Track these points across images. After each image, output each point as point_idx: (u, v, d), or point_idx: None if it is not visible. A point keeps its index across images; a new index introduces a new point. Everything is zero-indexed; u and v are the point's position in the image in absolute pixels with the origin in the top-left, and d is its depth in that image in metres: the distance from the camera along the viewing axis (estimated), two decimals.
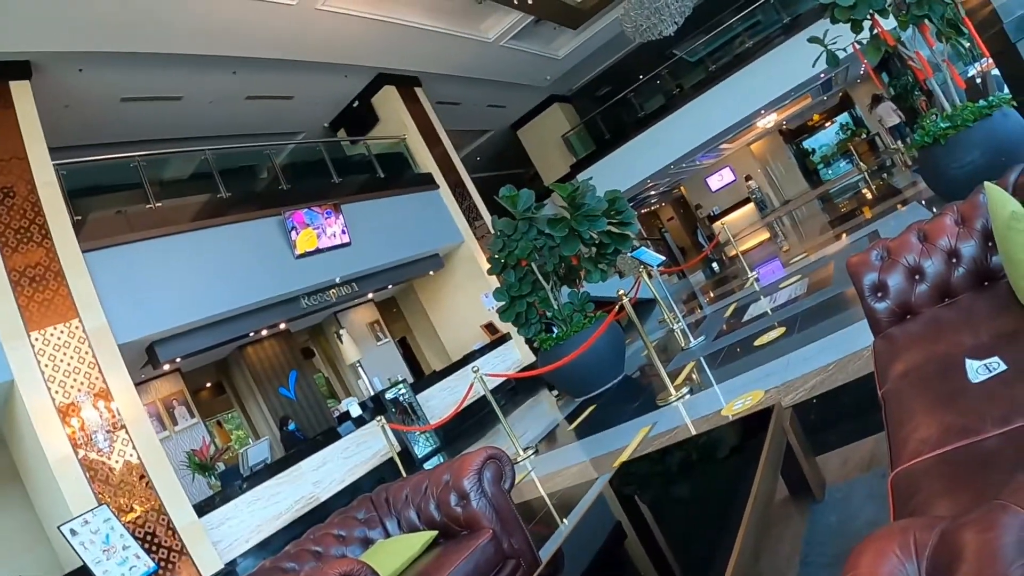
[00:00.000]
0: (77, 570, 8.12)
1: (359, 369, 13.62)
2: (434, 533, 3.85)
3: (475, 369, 8.65)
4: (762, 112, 22.97)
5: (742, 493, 2.70)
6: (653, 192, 29.13)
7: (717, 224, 29.28)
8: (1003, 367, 2.51)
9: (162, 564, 8.64)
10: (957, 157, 7.45)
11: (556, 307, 10.09)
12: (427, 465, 12.08)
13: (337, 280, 13.67)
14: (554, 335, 10.08)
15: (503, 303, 10.31)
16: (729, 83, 19.96)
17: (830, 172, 33.73)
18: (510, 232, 9.80)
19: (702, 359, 8.50)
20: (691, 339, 9.60)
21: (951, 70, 7.87)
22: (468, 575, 3.38)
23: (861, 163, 23.55)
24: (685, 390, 7.27)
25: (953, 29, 7.75)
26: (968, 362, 2.63)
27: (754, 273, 12.68)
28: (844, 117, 33.88)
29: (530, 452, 8.40)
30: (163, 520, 8.91)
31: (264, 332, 14.60)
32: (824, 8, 8.09)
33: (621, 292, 7.52)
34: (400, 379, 13.70)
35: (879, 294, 3.71)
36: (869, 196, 16.66)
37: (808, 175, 32.64)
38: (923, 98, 19.44)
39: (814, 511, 3.44)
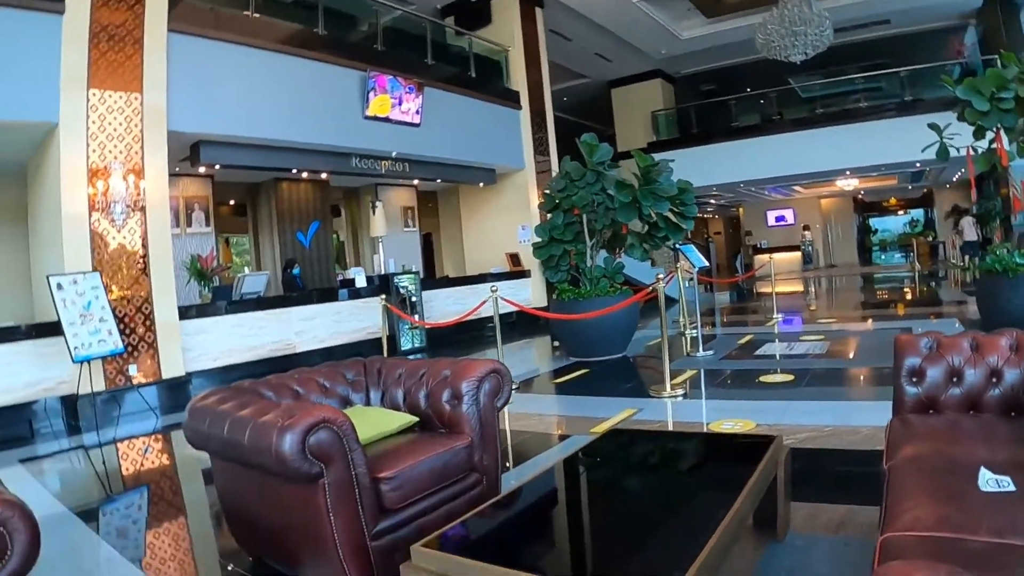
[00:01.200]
0: (49, 323, 8.29)
1: (379, 244, 13.65)
2: (415, 419, 3.91)
3: (493, 288, 8.68)
4: (847, 173, 22.85)
5: (718, 504, 2.75)
6: (713, 201, 28.96)
7: (763, 257, 29.11)
8: (1012, 488, 2.55)
9: (129, 350, 8.79)
10: (1020, 295, 7.44)
11: (589, 265, 10.09)
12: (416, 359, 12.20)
13: (393, 154, 13.66)
14: (578, 290, 10.10)
15: (542, 240, 10.31)
16: (829, 132, 19.83)
17: (883, 257, 33.52)
18: (576, 177, 9.76)
19: (704, 371, 8.52)
20: (700, 349, 9.60)
21: None
22: (435, 471, 3.42)
23: (918, 262, 23.33)
24: (680, 391, 7.30)
25: None
26: (983, 470, 2.66)
27: (779, 316, 12.67)
28: (919, 213, 33.64)
29: (513, 386, 8.45)
30: (146, 309, 9.03)
31: (305, 175, 14.63)
32: (954, 103, 7.96)
33: (660, 277, 7.48)
34: (414, 269, 13.79)
35: (914, 379, 3.71)
36: (910, 295, 16.49)
37: (862, 251, 32.41)
38: (1000, 228, 19.62)
39: (772, 549, 3.49)
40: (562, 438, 6.10)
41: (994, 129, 7.67)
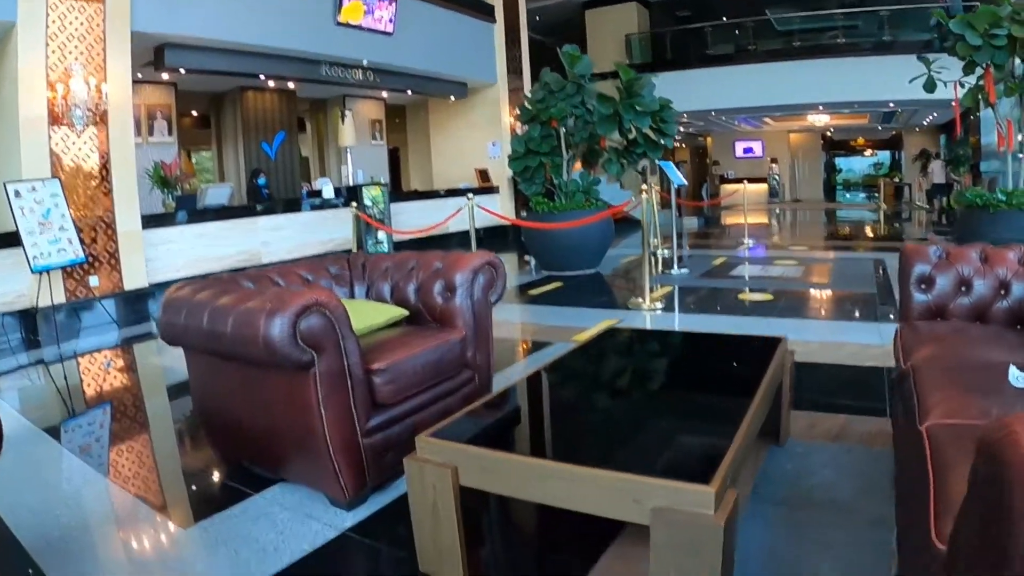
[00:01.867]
0: (5, 233, 7.79)
1: (347, 155, 13.28)
2: (404, 312, 3.70)
3: (470, 196, 8.47)
4: (820, 108, 22.70)
5: (734, 404, 2.57)
6: (682, 129, 28.68)
7: (733, 186, 29.03)
8: None
9: (90, 260, 8.41)
10: (998, 230, 7.38)
11: (564, 178, 9.88)
12: None
13: (364, 63, 13.21)
14: (552, 203, 9.90)
15: (518, 151, 10.06)
16: (803, 65, 19.56)
17: (847, 196, 33.65)
18: (556, 88, 9.49)
19: (680, 287, 8.40)
20: (675, 268, 9.47)
21: None
22: (428, 365, 3.23)
23: (883, 203, 23.37)
24: (659, 305, 7.19)
25: None
26: (1012, 367, 2.54)
27: (750, 241, 12.60)
28: (885, 156, 33.72)
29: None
30: (108, 217, 8.58)
31: (271, 83, 14.15)
32: (929, 46, 7.82)
33: (644, 188, 7.29)
34: (383, 181, 13.47)
35: (923, 286, 3.59)
36: (878, 231, 16.48)
37: (827, 189, 32.44)
38: (968, 173, 19.91)
39: (773, 453, 3.38)
40: (539, 346, 5.93)
41: (984, 66, 7.52)
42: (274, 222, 11.37)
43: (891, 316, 6.19)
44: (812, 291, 7.94)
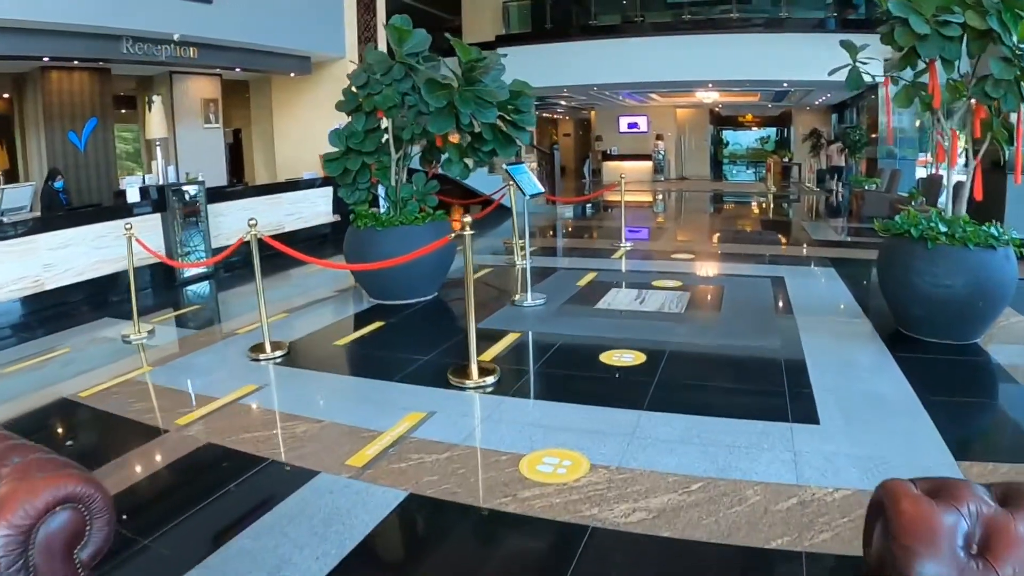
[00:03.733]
0: None
1: (156, 148, 10.75)
2: None
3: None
4: (709, 85, 21.11)
5: None
6: (564, 103, 26.65)
7: (612, 164, 27.18)
8: None
9: None
10: (936, 273, 5.44)
11: (393, 183, 7.68)
12: (192, 289, 9.71)
13: (175, 37, 10.72)
14: (379, 216, 7.67)
15: (337, 150, 7.79)
16: (694, 41, 17.89)
17: (734, 171, 32.30)
18: (381, 72, 7.24)
19: (530, 335, 6.33)
20: (529, 293, 7.36)
21: (978, 176, 5.79)
22: None
23: (770, 182, 21.77)
24: (491, 380, 5.08)
25: (1006, 132, 5.74)
26: None
27: (627, 244, 10.65)
28: (771, 131, 32.54)
29: (278, 354, 6.06)
30: None
31: (75, 62, 11.53)
32: (820, 25, 5.82)
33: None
34: (199, 178, 11.00)
35: None
36: (769, 221, 14.63)
37: (714, 165, 30.90)
38: (863, 159, 18.97)
39: None
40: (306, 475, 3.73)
41: (927, 60, 5.51)
42: (61, 238, 8.92)
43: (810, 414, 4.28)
44: (697, 342, 5.98)
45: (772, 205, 18.47)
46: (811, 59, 16.33)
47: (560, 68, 18.84)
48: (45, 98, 11.98)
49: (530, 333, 6.34)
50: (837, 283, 8.17)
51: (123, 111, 15.18)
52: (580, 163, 30.36)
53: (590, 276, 8.56)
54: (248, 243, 6.16)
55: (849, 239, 11.71)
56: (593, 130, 30.60)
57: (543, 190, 7.65)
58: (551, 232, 13.60)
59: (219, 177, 14.10)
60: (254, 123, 15.97)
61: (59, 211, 10.16)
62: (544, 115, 31.32)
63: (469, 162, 7.65)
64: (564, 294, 7.67)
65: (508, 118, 7.27)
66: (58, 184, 10.87)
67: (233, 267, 10.75)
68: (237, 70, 12.99)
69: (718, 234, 12.53)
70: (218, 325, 7.66)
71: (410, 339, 6.53)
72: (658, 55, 18.03)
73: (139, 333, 6.88)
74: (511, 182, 8.09)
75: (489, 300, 7.72)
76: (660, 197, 21.24)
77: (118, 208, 10.04)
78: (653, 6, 19.37)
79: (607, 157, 27.90)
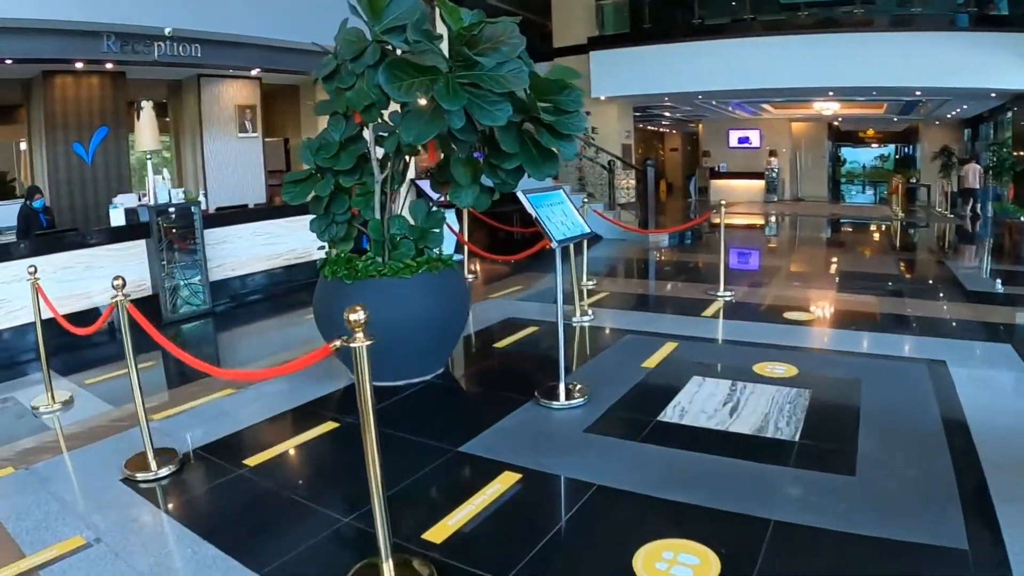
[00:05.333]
0: None
1: (148, 163, 8.70)
2: None
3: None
4: (830, 94, 17.97)
5: None
6: (668, 114, 23.83)
7: (720, 183, 24.16)
8: None
9: None
10: None
11: (378, 215, 5.26)
12: (179, 332, 7.68)
13: (167, 32, 8.67)
14: (355, 261, 5.25)
15: (305, 170, 5.42)
16: (812, 41, 14.96)
17: (852, 192, 28.68)
18: (348, 56, 4.84)
19: (532, 485, 3.67)
20: (562, 386, 4.75)
21: None
22: None
23: (896, 206, 18.37)
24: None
25: None
26: None
27: (727, 294, 7.90)
28: (891, 149, 28.87)
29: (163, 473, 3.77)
30: None
31: (80, 65, 9.73)
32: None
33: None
34: (199, 197, 9.00)
35: None
36: (906, 261, 11.24)
37: (831, 184, 27.37)
38: (1011, 184, 16.14)
39: None
40: None
41: None
42: (12, 271, 7.11)
43: None
44: (820, 522, 3.11)
45: (901, 234, 15.19)
46: (949, 62, 13.59)
47: (660, 73, 16.28)
48: (47, 105, 10.20)
49: (535, 476, 3.74)
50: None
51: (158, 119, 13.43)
52: (686, 180, 27.39)
53: (667, 349, 5.86)
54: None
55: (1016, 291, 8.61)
56: (701, 145, 27.56)
57: (588, 231, 4.96)
58: (634, 270, 10.89)
59: (257, 193, 12.10)
60: (304, 132, 13.79)
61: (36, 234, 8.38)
62: (648, 128, 28.55)
63: (488, 183, 5.15)
64: (619, 385, 5.00)
65: (546, 118, 4.70)
66: (37, 203, 9.03)
67: (245, 301, 8.90)
68: (254, 72, 10.90)
69: (844, 278, 9.33)
70: (153, 395, 5.43)
71: (392, 455, 4.11)
72: (771, 59, 15.18)
73: (52, 403, 5.21)
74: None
75: (508, 387, 5.23)
76: (772, 221, 18.12)
77: (94, 234, 8.15)
78: (766, 2, 16.41)
79: (715, 174, 24.84)
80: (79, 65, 9.72)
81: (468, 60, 4.20)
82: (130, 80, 10.88)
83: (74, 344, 7.12)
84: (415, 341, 5.16)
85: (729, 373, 5.19)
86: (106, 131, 10.63)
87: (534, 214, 4.56)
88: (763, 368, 5.25)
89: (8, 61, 8.53)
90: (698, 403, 4.58)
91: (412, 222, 5.38)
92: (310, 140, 5.30)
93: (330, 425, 4.56)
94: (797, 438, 4.01)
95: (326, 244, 5.65)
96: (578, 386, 4.84)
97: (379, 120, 5.02)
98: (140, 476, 3.91)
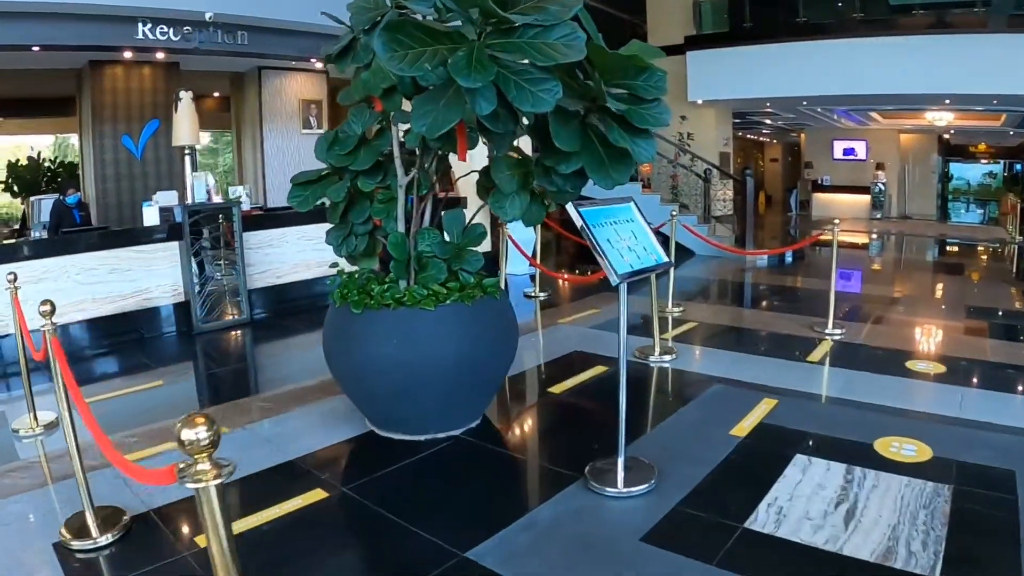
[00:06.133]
0: None
1: (187, 159, 7.91)
2: None
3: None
4: (946, 102, 16.18)
5: None
6: (769, 121, 22.19)
7: (823, 197, 22.42)
8: None
9: None
10: None
11: (402, 226, 4.19)
12: (201, 345, 6.92)
13: (208, 16, 7.84)
14: (370, 285, 4.18)
15: (319, 170, 4.40)
16: (930, 43, 13.15)
17: (961, 211, 26.33)
18: (363, 26, 3.78)
19: None
20: (621, 467, 3.54)
21: None
22: None
23: (1011, 228, 16.31)
24: None
25: None
26: None
27: (837, 333, 6.51)
28: (999, 166, 26.42)
29: (102, 542, 2.81)
30: None
31: (128, 55, 9.07)
32: None
33: None
34: (242, 192, 8.24)
35: None
36: (1009, 268, 9.34)
37: (941, 201, 25.14)
38: None
39: None
40: None
41: None
42: (34, 269, 6.46)
43: None
44: None
45: (1016, 256, 13.39)
46: None
47: (762, 76, 14.80)
48: (95, 96, 9.55)
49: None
50: None
51: (219, 113, 12.77)
52: (786, 192, 25.62)
53: (763, 408, 4.58)
54: None
55: None
56: (803, 156, 25.73)
57: (665, 260, 3.75)
58: (728, 293, 9.57)
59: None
60: None
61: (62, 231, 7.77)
62: (747, 136, 26.88)
63: (538, 189, 4.01)
64: (698, 464, 3.75)
65: (614, 111, 3.53)
66: (71, 199, 8.36)
67: (285, 312, 8.10)
68: (312, 61, 10.01)
69: (974, 315, 7.71)
70: (129, 427, 4.53)
71: (343, 546, 3.08)
72: (884, 62, 13.48)
73: (34, 426, 4.56)
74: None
75: (554, 454, 4.11)
76: (880, 240, 16.39)
77: (121, 234, 7.42)
78: (878, 2, 14.78)
79: (818, 187, 23.06)
80: (127, 55, 9.05)
81: (502, 23, 3.07)
82: (186, 72, 10.15)
83: (81, 354, 6.49)
84: (442, 387, 4.07)
85: (843, 452, 3.89)
86: (157, 124, 9.93)
87: (590, 238, 3.38)
88: (886, 446, 3.94)
89: (35, 48, 7.84)
90: (801, 501, 3.33)
91: (446, 237, 4.30)
92: (323, 137, 4.27)
93: (317, 495, 3.51)
94: (937, 568, 2.76)
95: (342, 259, 4.64)
96: (644, 462, 3.67)
97: (402, 108, 3.96)
98: (76, 544, 3.03)
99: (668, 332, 6.42)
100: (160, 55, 9.19)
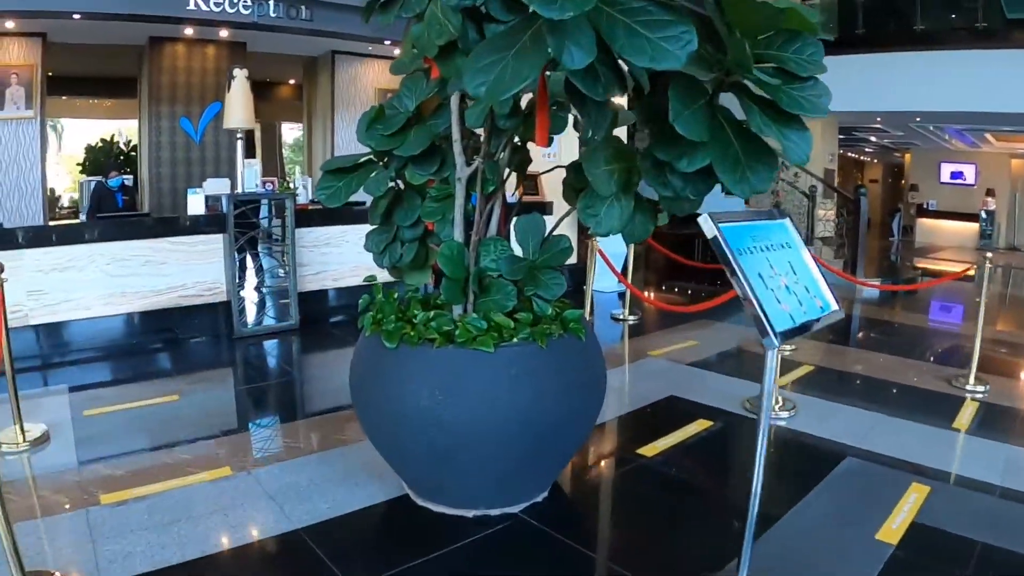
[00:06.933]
0: None
1: (238, 144, 7.06)
2: None
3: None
4: None
5: None
6: (874, 138, 20.55)
7: (928, 222, 20.71)
8: None
9: None
10: None
11: (458, 234, 3.15)
12: (242, 351, 6.10)
13: None
14: (418, 313, 3.14)
15: (351, 157, 3.40)
16: None
17: None
18: None
19: None
20: None
21: None
22: None
23: None
24: None
25: None
26: None
27: (981, 390, 5.19)
28: None
29: None
30: None
31: (189, 31, 8.35)
32: None
33: None
34: (299, 183, 7.44)
35: None
36: None
37: None
38: None
39: None
40: None
41: None
42: (60, 256, 5.81)
43: None
44: None
45: None
46: None
47: (873, 87, 13.32)
48: (152, 76, 8.84)
49: None
50: None
51: (294, 102, 12.01)
52: (888, 216, 23.84)
53: (913, 499, 3.34)
54: None
55: None
56: (907, 177, 23.86)
57: (835, 309, 2.57)
58: (841, 331, 8.07)
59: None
60: None
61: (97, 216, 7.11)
62: (848, 154, 25.15)
63: (640, 198, 2.92)
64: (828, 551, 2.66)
65: (762, 87, 2.41)
66: (113, 182, 7.62)
67: (339, 321, 7.30)
68: (386, 43, 9.07)
69: None
70: (133, 455, 3.76)
71: None
72: (1008, 74, 12.04)
73: (20, 441, 3.86)
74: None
75: (637, 550, 2.98)
76: (990, 270, 14.71)
77: (161, 222, 6.74)
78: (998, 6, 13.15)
79: (922, 213, 21.31)
80: (188, 31, 8.30)
81: None
82: (254, 53, 9.36)
83: (102, 353, 5.83)
84: (499, 456, 2.99)
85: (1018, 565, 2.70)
86: (219, 106, 9.14)
87: (736, 271, 2.23)
88: None
89: (75, 16, 7.10)
90: None
91: (518, 251, 3.22)
92: (366, 114, 3.25)
93: None
94: None
95: (387, 269, 3.64)
96: None
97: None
98: None
99: (780, 377, 5.21)
100: (223, 32, 8.42)
